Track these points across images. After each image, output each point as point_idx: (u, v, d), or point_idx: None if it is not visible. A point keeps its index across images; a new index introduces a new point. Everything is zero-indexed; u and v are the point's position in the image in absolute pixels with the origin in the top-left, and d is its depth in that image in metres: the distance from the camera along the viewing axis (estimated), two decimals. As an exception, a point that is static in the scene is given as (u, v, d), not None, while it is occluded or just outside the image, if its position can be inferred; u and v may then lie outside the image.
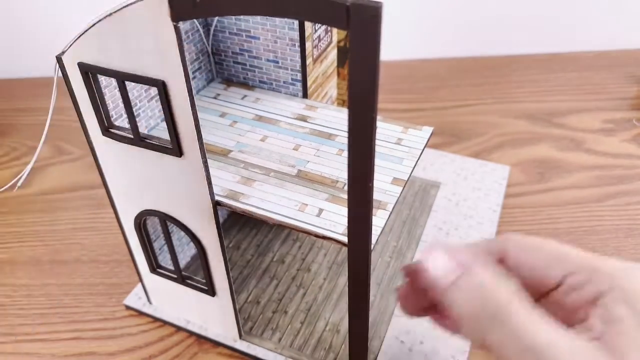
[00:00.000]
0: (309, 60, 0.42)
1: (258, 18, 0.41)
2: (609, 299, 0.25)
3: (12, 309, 0.48)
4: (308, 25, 0.40)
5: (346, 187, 0.34)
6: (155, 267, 0.43)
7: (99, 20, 0.28)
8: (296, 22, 0.39)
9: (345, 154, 0.38)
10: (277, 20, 0.40)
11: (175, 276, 0.42)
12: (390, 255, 0.49)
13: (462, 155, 0.62)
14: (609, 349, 0.23)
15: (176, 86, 0.29)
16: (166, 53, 0.27)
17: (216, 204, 0.35)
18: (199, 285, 0.41)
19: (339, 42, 0.49)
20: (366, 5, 0.20)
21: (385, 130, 0.40)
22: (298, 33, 0.40)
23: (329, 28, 0.44)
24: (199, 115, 0.42)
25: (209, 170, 0.33)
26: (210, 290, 0.40)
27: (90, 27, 0.29)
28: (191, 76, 0.44)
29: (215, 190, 0.36)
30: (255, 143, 0.40)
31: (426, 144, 0.39)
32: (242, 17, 0.41)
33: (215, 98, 0.45)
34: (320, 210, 0.34)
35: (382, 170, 0.37)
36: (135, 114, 0.38)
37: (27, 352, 0.44)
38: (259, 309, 0.46)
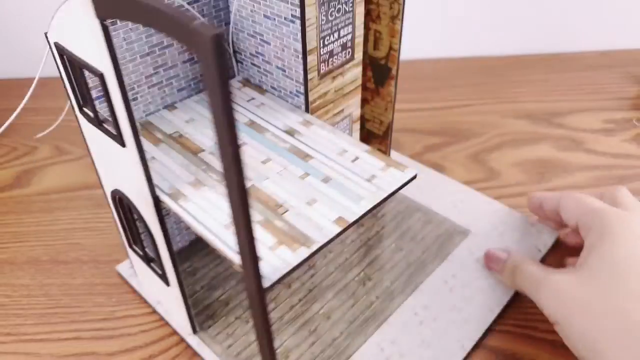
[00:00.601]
0: (312, 75, 0.41)
1: (269, 23, 0.40)
2: (590, 233, 0.40)
3: (12, 308, 0.48)
4: (312, 37, 0.39)
5: (285, 214, 0.33)
6: (130, 244, 0.44)
7: (61, 5, 0.30)
8: (299, 33, 0.38)
9: (309, 178, 0.36)
10: (284, 28, 0.40)
11: (142, 255, 0.43)
12: (377, 295, 0.46)
13: (504, 204, 0.55)
14: (577, 268, 0.39)
15: (111, 80, 0.29)
16: (102, 47, 0.28)
17: (157, 200, 0.35)
18: (157, 272, 0.42)
19: (379, 59, 0.48)
20: (203, 31, 0.18)
21: (364, 163, 0.36)
22: (301, 44, 0.39)
23: (348, 44, 0.42)
24: (198, 108, 0.43)
25: (147, 165, 0.33)
26: (165, 280, 0.41)
27: (57, 9, 0.30)
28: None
29: (165, 186, 0.35)
30: None
31: (400, 187, 0.35)
32: (256, 19, 0.41)
33: None
34: None
35: (333, 205, 0.33)
36: (132, 97, 0.41)
37: (27, 352, 0.44)
38: (225, 311, 0.45)
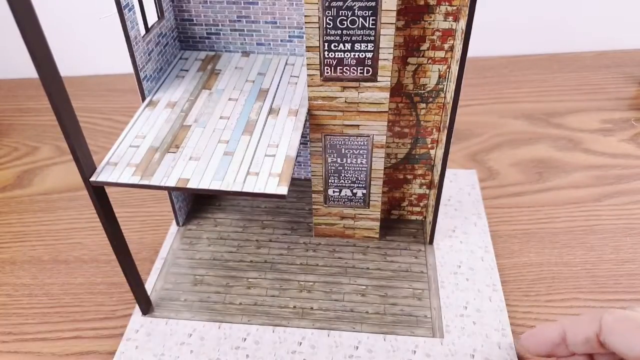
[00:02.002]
0: (313, 72, 0.41)
1: None
2: None
3: (13, 308, 0.48)
4: (313, 35, 0.40)
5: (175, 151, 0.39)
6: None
7: None
8: None
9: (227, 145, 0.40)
10: None
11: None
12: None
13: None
14: None
15: None
16: None
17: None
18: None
19: (415, 95, 0.45)
20: None
21: (268, 161, 0.38)
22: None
23: (366, 61, 0.41)
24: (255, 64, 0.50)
25: None
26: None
27: None
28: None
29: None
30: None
31: (257, 194, 0.36)
32: None
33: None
34: None
35: (201, 168, 0.38)
36: (216, 32, 0.51)
37: (28, 351, 0.45)
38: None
